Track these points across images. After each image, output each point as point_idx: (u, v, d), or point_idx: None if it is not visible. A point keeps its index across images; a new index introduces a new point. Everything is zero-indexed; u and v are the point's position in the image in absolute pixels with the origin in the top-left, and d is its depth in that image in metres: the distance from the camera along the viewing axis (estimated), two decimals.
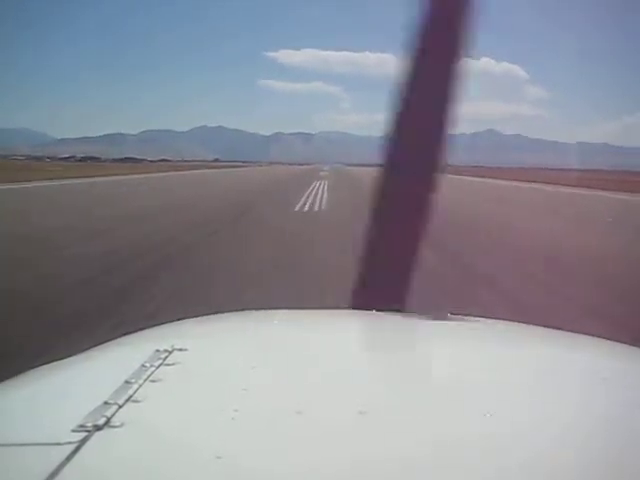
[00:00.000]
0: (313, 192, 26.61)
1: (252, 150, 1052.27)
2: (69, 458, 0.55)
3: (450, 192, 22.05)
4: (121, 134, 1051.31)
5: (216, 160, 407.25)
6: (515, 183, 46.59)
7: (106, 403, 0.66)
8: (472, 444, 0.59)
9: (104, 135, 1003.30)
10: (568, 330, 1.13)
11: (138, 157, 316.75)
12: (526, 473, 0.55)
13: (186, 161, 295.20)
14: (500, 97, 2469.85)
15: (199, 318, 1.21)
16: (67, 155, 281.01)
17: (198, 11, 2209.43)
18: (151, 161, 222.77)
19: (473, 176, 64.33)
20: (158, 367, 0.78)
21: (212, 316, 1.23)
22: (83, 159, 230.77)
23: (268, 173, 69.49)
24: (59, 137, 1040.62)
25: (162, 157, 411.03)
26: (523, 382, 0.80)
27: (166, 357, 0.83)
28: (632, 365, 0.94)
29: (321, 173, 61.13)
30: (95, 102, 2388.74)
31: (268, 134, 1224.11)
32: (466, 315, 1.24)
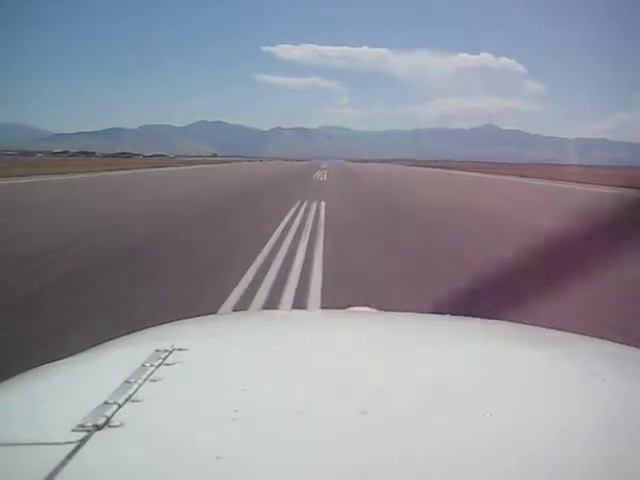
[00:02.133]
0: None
1: (251, 145, 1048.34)
2: (69, 458, 0.55)
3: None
4: (119, 129, 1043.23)
5: (214, 155, 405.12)
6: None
7: (106, 403, 0.66)
8: (472, 444, 0.60)
9: (102, 130, 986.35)
10: (568, 331, 1.13)
11: (134, 152, 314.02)
12: (526, 473, 0.55)
13: (181, 156, 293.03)
14: (499, 92, 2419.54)
15: (199, 318, 1.20)
16: (60, 150, 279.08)
17: (197, 6, 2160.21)
18: (145, 156, 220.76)
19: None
20: (158, 367, 0.78)
21: (212, 316, 1.21)
22: (76, 154, 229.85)
23: (247, 172, 49.69)
24: (56, 132, 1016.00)
25: (159, 152, 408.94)
26: (523, 382, 0.80)
27: (166, 357, 0.82)
28: (632, 366, 0.95)
29: (316, 175, 40.56)
30: (94, 97, 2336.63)
31: (267, 129, 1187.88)
32: (466, 315, 1.23)
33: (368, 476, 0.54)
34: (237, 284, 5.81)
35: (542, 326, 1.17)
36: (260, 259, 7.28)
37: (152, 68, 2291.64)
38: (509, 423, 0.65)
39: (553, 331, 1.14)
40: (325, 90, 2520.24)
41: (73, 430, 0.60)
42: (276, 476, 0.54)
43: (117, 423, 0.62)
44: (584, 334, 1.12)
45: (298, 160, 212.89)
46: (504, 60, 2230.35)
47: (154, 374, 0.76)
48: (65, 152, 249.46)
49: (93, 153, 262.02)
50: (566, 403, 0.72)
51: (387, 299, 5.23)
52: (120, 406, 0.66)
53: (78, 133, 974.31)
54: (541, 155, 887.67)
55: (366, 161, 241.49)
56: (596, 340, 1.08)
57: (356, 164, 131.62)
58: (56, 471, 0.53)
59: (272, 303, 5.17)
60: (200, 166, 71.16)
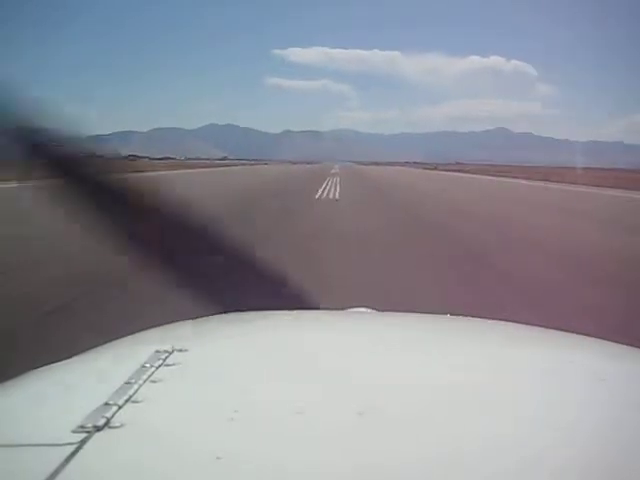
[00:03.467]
0: None
1: (262, 148, 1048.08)
2: (69, 459, 0.55)
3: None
4: (130, 132, 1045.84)
5: (224, 158, 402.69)
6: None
7: (106, 404, 0.66)
8: (472, 445, 0.60)
9: (113, 133, 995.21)
10: (569, 331, 1.13)
11: (140, 155, 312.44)
12: (526, 474, 0.56)
13: (191, 159, 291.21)
14: (510, 95, 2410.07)
15: (200, 319, 1.22)
16: None
17: (207, 8, 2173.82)
18: (151, 159, 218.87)
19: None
20: (158, 368, 0.79)
21: (213, 317, 1.25)
22: None
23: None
24: None
25: (168, 155, 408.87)
26: (523, 383, 0.80)
27: (166, 358, 0.83)
28: (632, 366, 0.96)
29: (325, 186, 26.77)
30: (105, 100, 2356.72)
31: (277, 132, 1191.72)
32: (466, 315, 1.24)
33: (368, 477, 0.54)
34: None
35: (542, 326, 1.18)
36: None
37: (163, 71, 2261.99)
38: (509, 424, 0.66)
39: (553, 332, 1.14)
40: (336, 93, 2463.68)
41: (73, 431, 0.60)
42: (276, 477, 0.55)
43: (117, 424, 0.62)
44: (585, 334, 1.12)
45: (308, 163, 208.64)
46: (515, 63, 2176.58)
47: (154, 375, 0.76)
48: None
49: (100, 156, 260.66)
50: (566, 404, 0.73)
51: None
52: (120, 407, 0.66)
53: (90, 136, 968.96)
54: (554, 158, 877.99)
55: (377, 163, 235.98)
56: (596, 340, 1.09)
57: (369, 167, 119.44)
58: (56, 472, 0.53)
59: None
60: (199, 170, 67.70)
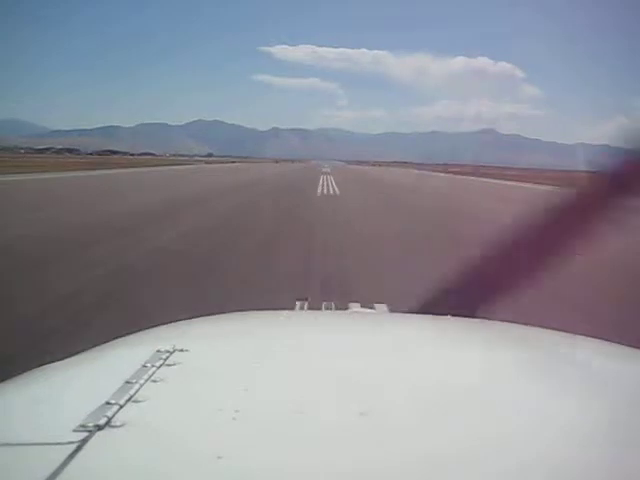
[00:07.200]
0: None
1: (249, 145, 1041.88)
2: (70, 458, 0.56)
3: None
4: (116, 127, 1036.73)
5: (209, 155, 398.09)
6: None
7: (107, 403, 0.67)
8: (472, 445, 0.60)
9: (99, 127, 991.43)
10: (569, 331, 1.14)
11: (120, 150, 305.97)
12: (526, 474, 0.56)
13: (174, 155, 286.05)
14: (498, 97, 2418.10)
15: (200, 318, 1.22)
16: (43, 147, 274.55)
17: (195, 5, 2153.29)
18: (132, 155, 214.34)
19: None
20: (159, 367, 0.79)
21: (213, 316, 1.24)
22: (60, 151, 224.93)
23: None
24: (54, 128, 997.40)
25: (151, 151, 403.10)
26: (523, 383, 0.80)
27: (167, 357, 0.83)
28: (632, 366, 0.95)
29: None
30: (91, 95, 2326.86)
31: (265, 129, 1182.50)
32: (466, 315, 1.25)
33: (368, 477, 0.55)
34: None
35: (543, 327, 1.19)
36: None
37: (150, 66, 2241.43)
38: (509, 424, 0.66)
39: (553, 332, 1.15)
40: (324, 91, 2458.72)
41: (74, 430, 0.61)
42: (276, 476, 0.55)
43: (118, 423, 0.63)
44: (585, 335, 1.13)
45: (292, 161, 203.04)
46: (503, 64, 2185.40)
47: (155, 374, 0.77)
48: (49, 149, 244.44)
49: (77, 150, 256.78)
50: (566, 404, 0.73)
51: None
52: (121, 406, 0.66)
53: (74, 130, 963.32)
54: (541, 160, 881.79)
55: (366, 163, 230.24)
56: (596, 341, 1.09)
57: (362, 168, 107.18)
58: (57, 471, 0.53)
59: None
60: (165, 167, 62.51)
